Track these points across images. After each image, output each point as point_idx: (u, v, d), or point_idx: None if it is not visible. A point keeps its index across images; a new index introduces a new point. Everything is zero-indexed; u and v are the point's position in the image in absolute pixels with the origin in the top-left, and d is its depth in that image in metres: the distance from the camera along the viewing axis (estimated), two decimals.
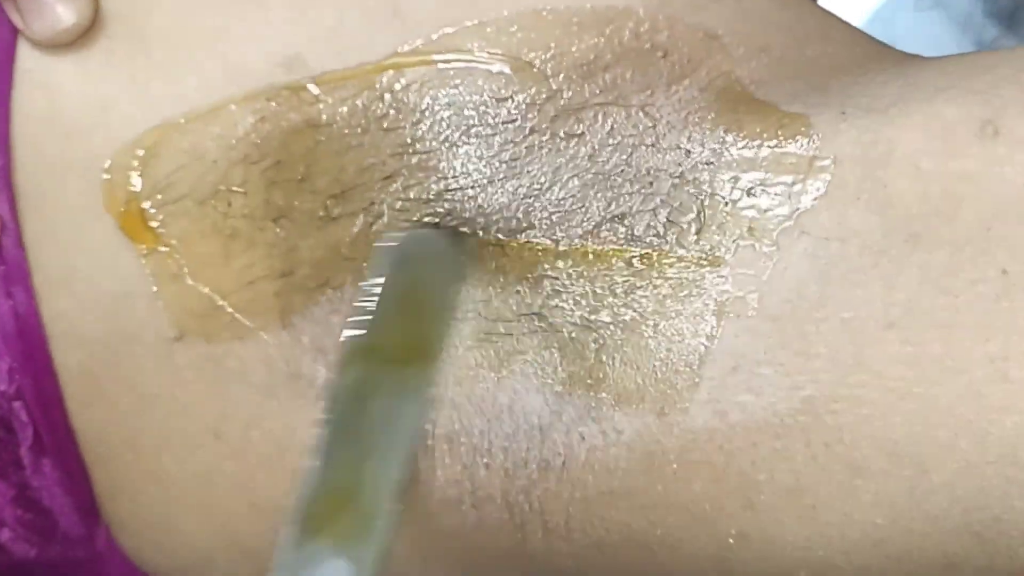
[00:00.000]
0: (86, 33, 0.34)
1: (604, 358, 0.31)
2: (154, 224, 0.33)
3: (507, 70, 0.32)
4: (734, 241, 0.31)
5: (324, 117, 0.33)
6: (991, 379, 0.28)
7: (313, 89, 0.33)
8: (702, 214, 0.31)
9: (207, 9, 0.34)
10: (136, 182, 0.33)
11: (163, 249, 0.33)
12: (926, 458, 0.28)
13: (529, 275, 0.31)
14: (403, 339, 0.31)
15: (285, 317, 0.32)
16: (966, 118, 0.30)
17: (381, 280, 0.31)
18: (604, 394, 0.31)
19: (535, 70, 0.32)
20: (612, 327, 0.31)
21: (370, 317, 0.30)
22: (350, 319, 0.31)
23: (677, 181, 0.31)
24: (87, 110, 0.34)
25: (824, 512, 0.29)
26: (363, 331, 0.30)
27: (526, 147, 0.32)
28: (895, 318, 0.29)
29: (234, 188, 0.33)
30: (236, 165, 0.33)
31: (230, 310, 0.33)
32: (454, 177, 0.32)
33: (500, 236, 0.32)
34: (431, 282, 0.31)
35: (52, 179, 0.34)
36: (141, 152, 0.33)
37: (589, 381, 0.31)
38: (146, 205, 0.33)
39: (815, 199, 0.30)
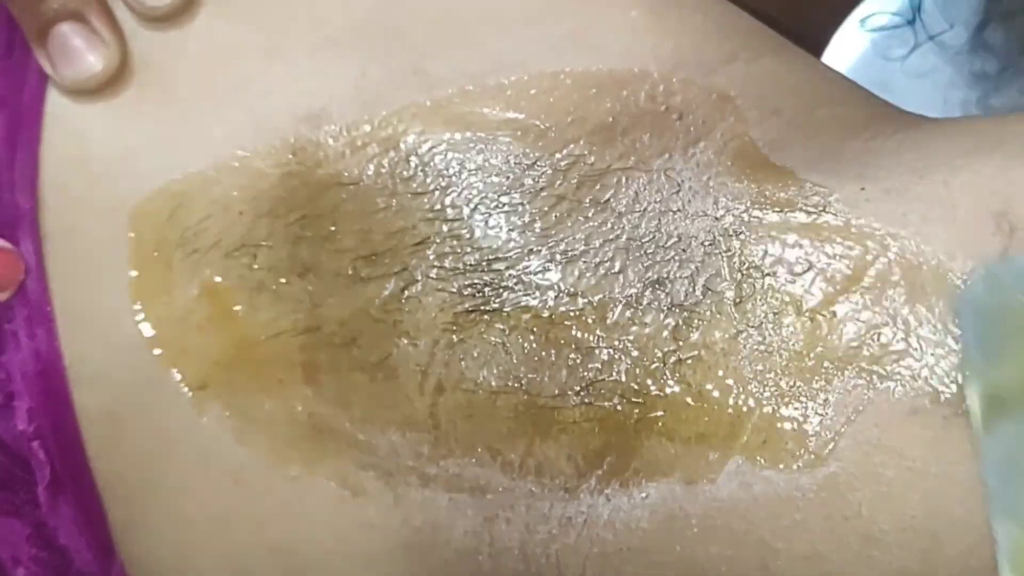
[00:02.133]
0: (115, 80, 0.34)
1: (642, 429, 0.31)
2: (180, 273, 0.33)
3: (530, 135, 0.33)
4: (773, 313, 0.31)
5: (349, 175, 0.33)
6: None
7: (335, 145, 0.33)
8: (739, 284, 0.32)
9: (233, 60, 0.34)
10: (163, 231, 0.33)
11: (188, 298, 0.33)
12: (941, 532, 0.29)
13: (577, 349, 0.32)
14: None
15: (309, 372, 0.33)
16: (982, 212, 0.31)
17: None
18: (636, 462, 0.31)
19: (556, 135, 0.33)
20: (656, 398, 0.32)
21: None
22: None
23: (709, 248, 0.32)
24: (115, 156, 0.34)
25: None
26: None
27: (556, 216, 0.32)
28: (919, 407, 0.30)
29: (259, 241, 0.33)
30: (262, 218, 0.33)
31: (254, 362, 0.33)
32: (489, 248, 0.32)
33: (543, 308, 0.32)
34: None
35: (78, 223, 0.34)
36: (169, 202, 0.33)
37: (625, 450, 0.32)
38: (172, 254, 0.33)
39: (842, 274, 0.31)
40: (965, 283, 0.30)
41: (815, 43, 0.46)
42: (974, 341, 0.30)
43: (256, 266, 0.33)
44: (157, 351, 0.34)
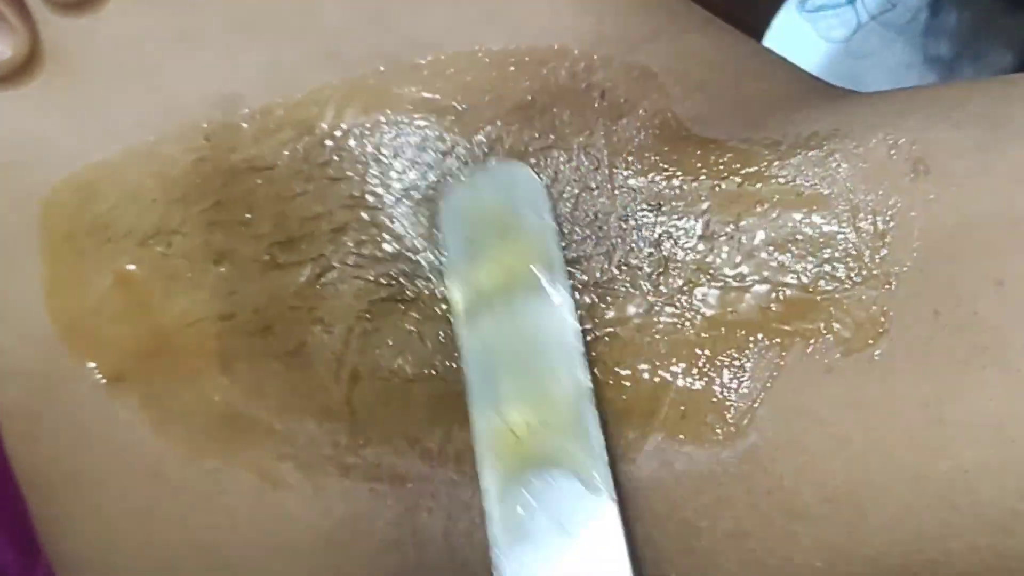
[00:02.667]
0: (23, 68, 0.33)
1: None
2: (92, 263, 0.33)
3: (448, 116, 0.32)
4: (687, 282, 0.31)
5: (263, 160, 0.32)
6: (926, 422, 0.28)
7: (248, 129, 0.32)
8: (653, 257, 0.31)
9: (143, 46, 0.33)
10: (74, 221, 0.33)
11: (102, 289, 0.33)
12: (864, 502, 0.29)
13: None
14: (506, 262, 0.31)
15: (225, 360, 0.32)
16: (898, 157, 0.30)
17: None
18: None
19: (474, 115, 0.32)
20: None
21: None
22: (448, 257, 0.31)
23: (625, 224, 0.32)
24: (24, 145, 0.33)
25: (764, 556, 0.30)
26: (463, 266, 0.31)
27: None
28: (834, 363, 0.29)
29: (173, 228, 0.33)
30: (175, 205, 0.33)
31: (171, 351, 0.32)
32: (408, 236, 0.32)
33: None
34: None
35: None
36: (79, 191, 0.33)
37: None
38: (84, 244, 0.33)
39: (753, 238, 0.31)
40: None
41: (755, 28, 0.45)
42: (457, 244, 0.31)
43: (170, 254, 0.33)
44: (71, 343, 0.33)
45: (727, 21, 0.37)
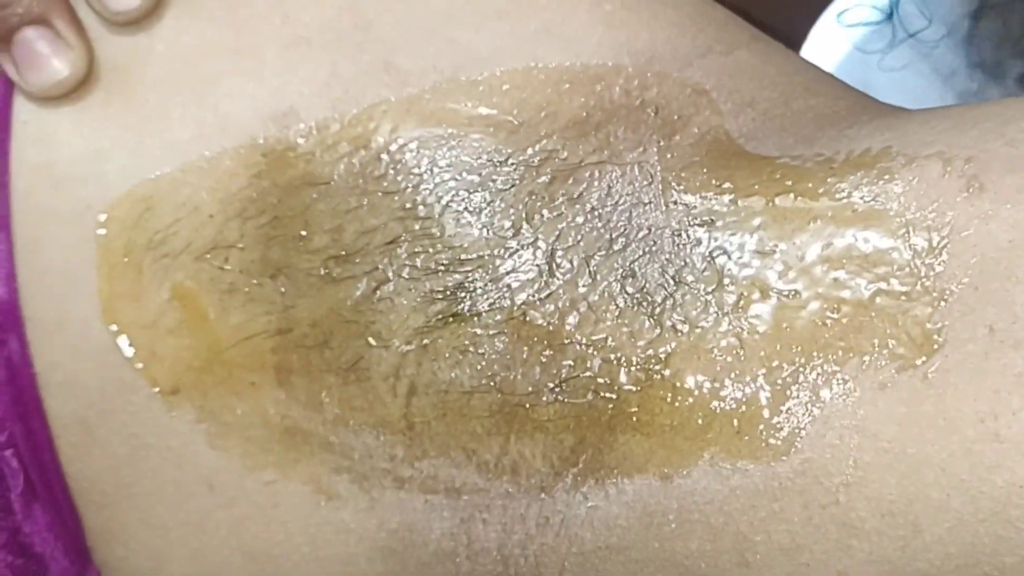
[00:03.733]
0: (81, 85, 0.34)
1: (616, 424, 0.31)
2: (150, 278, 0.33)
3: (503, 131, 0.32)
4: (742, 298, 0.31)
5: (319, 174, 0.33)
6: (982, 438, 0.29)
7: (305, 144, 0.33)
8: (707, 273, 0.31)
9: (201, 61, 0.34)
10: (132, 235, 0.33)
11: (159, 303, 0.33)
12: (920, 517, 0.29)
13: (550, 346, 0.32)
14: None
15: (281, 374, 0.33)
16: (952, 174, 0.30)
17: None
18: (611, 458, 0.31)
19: (529, 130, 0.33)
20: (629, 392, 0.31)
21: None
22: None
23: (679, 239, 0.32)
24: (82, 161, 0.34)
25: (818, 570, 0.30)
26: None
27: (527, 213, 0.32)
28: (888, 379, 0.30)
29: (231, 243, 0.33)
30: (232, 220, 0.33)
31: (227, 365, 0.33)
32: (461, 247, 0.32)
33: (515, 306, 0.32)
34: None
35: (47, 229, 0.34)
36: (137, 205, 0.33)
37: (600, 446, 0.31)
38: (142, 259, 0.33)
39: (808, 254, 0.31)
40: None
41: (792, 39, 0.46)
42: None
43: (227, 268, 0.33)
44: (128, 357, 0.33)
45: (764, 32, 0.37)
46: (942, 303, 0.30)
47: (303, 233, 0.33)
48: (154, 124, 0.34)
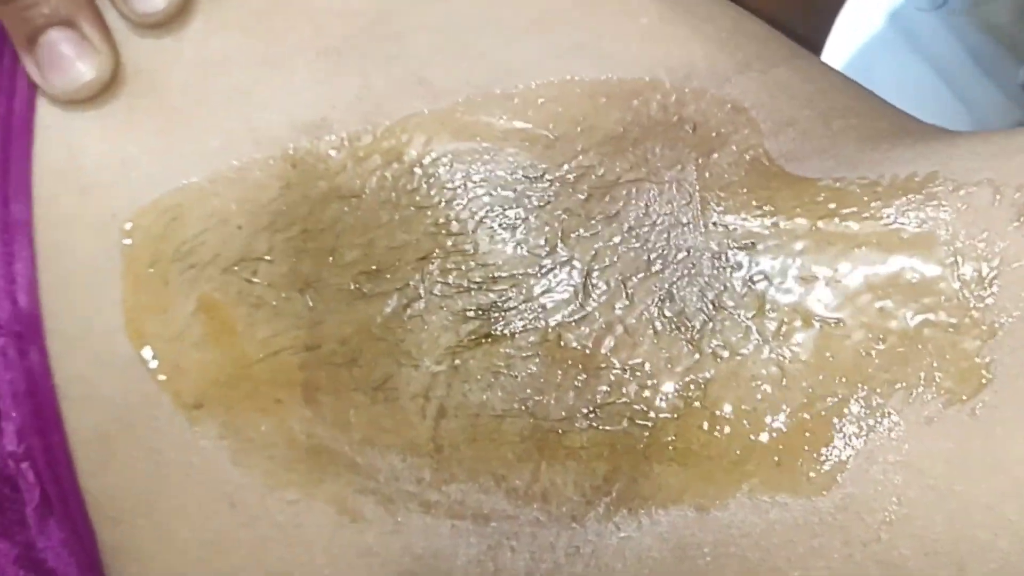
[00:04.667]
0: (107, 89, 0.33)
1: (652, 453, 0.30)
2: (176, 289, 0.32)
3: (538, 145, 0.32)
4: (784, 325, 0.30)
5: (351, 187, 0.32)
6: None
7: (336, 157, 0.32)
8: (748, 299, 0.31)
9: (230, 69, 0.33)
10: (158, 246, 0.32)
11: (185, 315, 0.32)
12: (965, 557, 0.28)
13: (585, 370, 0.31)
14: None
15: (308, 392, 0.32)
16: (1003, 203, 0.30)
17: None
18: (646, 487, 0.30)
19: (565, 145, 0.32)
20: (666, 420, 0.30)
21: None
22: None
23: (718, 262, 0.31)
24: (107, 167, 0.33)
25: None
26: None
27: (563, 230, 0.31)
28: (935, 413, 0.29)
29: (259, 256, 0.32)
30: (261, 232, 0.32)
31: (252, 380, 0.32)
32: (495, 264, 0.31)
33: (549, 328, 0.31)
34: None
35: (70, 236, 0.33)
36: (163, 215, 0.32)
37: (634, 475, 0.30)
38: (168, 270, 0.32)
39: (853, 281, 0.30)
40: None
41: (811, 40, 0.44)
42: None
43: (256, 281, 0.32)
44: (151, 369, 0.32)
45: (784, 32, 0.36)
46: (992, 337, 0.29)
47: (333, 247, 0.32)
48: (182, 131, 0.33)
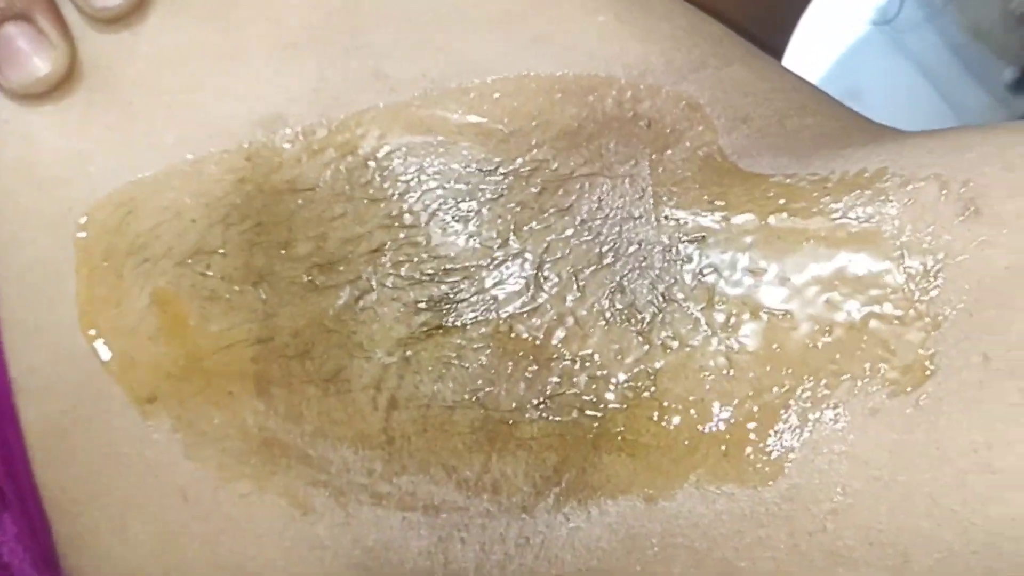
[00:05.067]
0: (64, 84, 0.33)
1: (601, 444, 0.30)
2: (130, 283, 0.32)
3: (493, 139, 0.32)
4: (732, 317, 0.30)
5: (305, 180, 0.32)
6: (975, 468, 0.28)
7: (291, 150, 0.32)
8: (697, 291, 0.31)
9: (186, 63, 0.33)
10: (112, 239, 0.32)
11: (139, 308, 0.32)
12: (909, 547, 0.28)
13: (536, 361, 0.31)
14: None
15: (261, 384, 0.32)
16: (949, 197, 0.30)
17: None
18: (595, 478, 0.30)
19: (520, 139, 0.32)
20: (615, 411, 0.31)
21: None
22: None
23: (669, 255, 0.31)
24: (64, 162, 0.33)
25: None
26: None
27: (516, 223, 0.31)
28: (879, 404, 0.29)
29: (213, 249, 0.32)
30: (215, 225, 0.32)
31: (205, 374, 0.32)
32: (447, 256, 0.31)
33: (501, 320, 0.31)
34: None
35: (26, 230, 0.33)
36: (118, 208, 0.32)
37: (584, 465, 0.31)
38: (122, 263, 0.32)
39: (800, 275, 0.30)
40: None
41: (772, 46, 0.45)
42: None
43: (209, 274, 0.32)
44: (105, 363, 0.32)
45: (745, 36, 0.36)
46: (936, 329, 0.29)
47: (287, 240, 0.32)
48: (138, 125, 0.33)
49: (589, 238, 0.32)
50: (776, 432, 0.30)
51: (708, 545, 0.30)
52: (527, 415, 0.31)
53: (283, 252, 0.32)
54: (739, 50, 0.35)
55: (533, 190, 0.32)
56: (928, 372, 0.29)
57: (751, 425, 0.30)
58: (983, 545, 0.28)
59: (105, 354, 0.32)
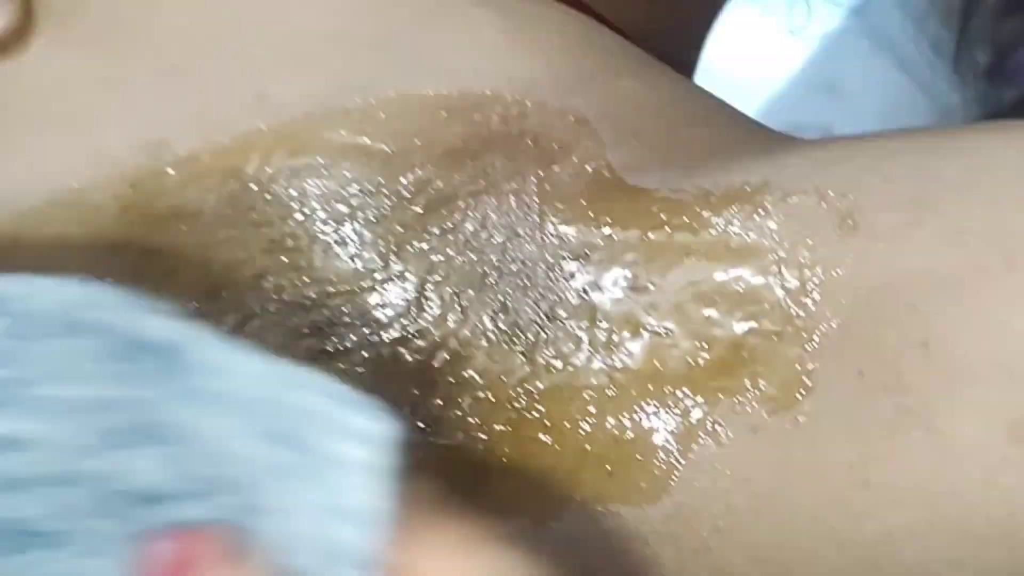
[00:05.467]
0: None
1: (488, 467, 0.30)
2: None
3: (376, 160, 0.32)
4: (614, 335, 0.30)
5: (189, 206, 0.32)
6: (852, 485, 0.28)
7: (175, 176, 0.32)
8: (580, 309, 0.31)
9: (69, 91, 0.33)
10: None
11: None
12: (791, 564, 0.28)
13: (419, 384, 0.31)
14: None
15: None
16: (827, 210, 0.30)
17: None
18: (481, 503, 0.30)
19: (403, 159, 0.32)
20: (500, 433, 0.31)
21: None
22: None
23: (552, 273, 0.31)
24: None
25: None
26: None
27: (398, 245, 0.31)
28: (759, 422, 0.29)
29: (100, 280, 0.32)
30: (101, 255, 0.32)
31: None
32: (328, 280, 0.31)
33: (383, 343, 0.31)
34: None
35: None
36: (3, 240, 0.32)
37: (470, 490, 0.30)
38: None
39: (681, 291, 0.30)
40: None
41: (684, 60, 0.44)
42: None
43: None
44: None
45: (656, 52, 0.36)
46: (812, 344, 0.29)
47: (172, 267, 0.32)
48: (19, 156, 0.33)
49: (473, 258, 0.31)
50: (659, 451, 0.30)
51: (595, 566, 0.30)
52: (412, 439, 0.31)
53: (169, 280, 0.32)
54: (632, 62, 0.35)
55: (416, 210, 0.31)
56: (805, 390, 0.29)
57: (634, 445, 0.30)
58: (861, 561, 0.28)
59: None
